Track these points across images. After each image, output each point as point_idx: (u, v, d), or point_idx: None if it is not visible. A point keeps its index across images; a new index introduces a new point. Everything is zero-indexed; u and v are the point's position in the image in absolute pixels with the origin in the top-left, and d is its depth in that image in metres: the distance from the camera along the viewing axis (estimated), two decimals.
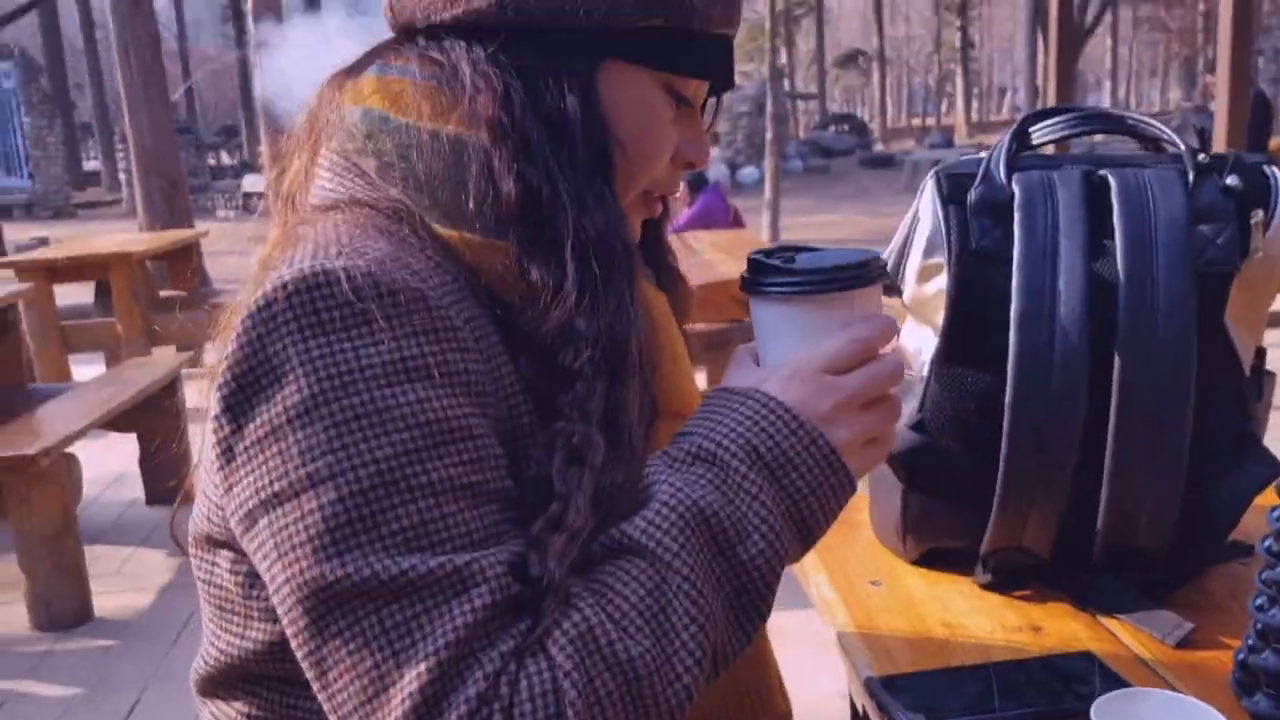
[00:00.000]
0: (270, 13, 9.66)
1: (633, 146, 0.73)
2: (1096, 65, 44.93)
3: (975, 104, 42.94)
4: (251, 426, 0.62)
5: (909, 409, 1.01)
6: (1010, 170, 0.97)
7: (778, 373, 0.69)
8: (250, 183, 18.38)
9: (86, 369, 5.63)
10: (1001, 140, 1.01)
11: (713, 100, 0.81)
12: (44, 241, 13.29)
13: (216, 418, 0.63)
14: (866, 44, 42.49)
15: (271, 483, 0.61)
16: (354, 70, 0.76)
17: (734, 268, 3.98)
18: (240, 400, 0.62)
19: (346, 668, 0.59)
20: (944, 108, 45.70)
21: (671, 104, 0.75)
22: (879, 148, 28.76)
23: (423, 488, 0.60)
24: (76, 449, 3.38)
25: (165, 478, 3.89)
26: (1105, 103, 38.38)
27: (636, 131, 0.73)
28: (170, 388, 3.78)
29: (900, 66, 51.47)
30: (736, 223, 7.16)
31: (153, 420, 3.76)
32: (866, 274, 0.70)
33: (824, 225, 15.43)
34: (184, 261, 6.56)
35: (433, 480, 0.61)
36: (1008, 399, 0.92)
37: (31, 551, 3.02)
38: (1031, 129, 1.02)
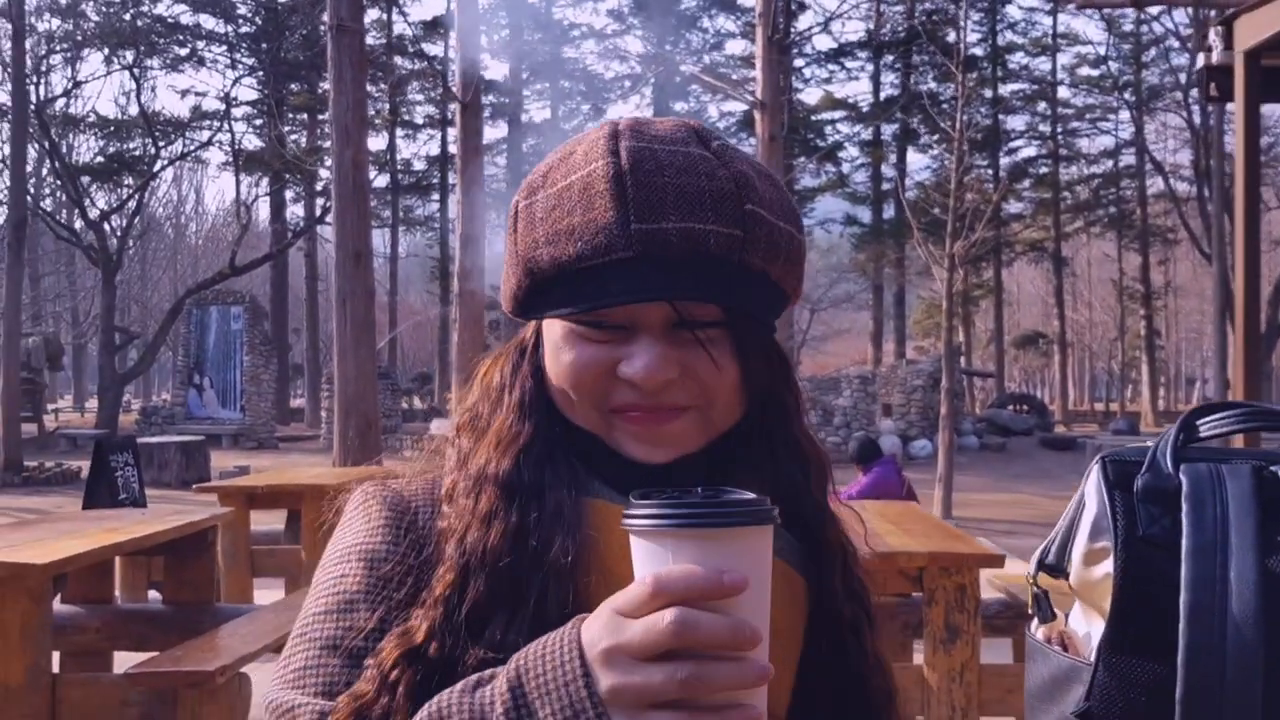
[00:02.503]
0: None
1: (556, 378, 0.87)
2: None
3: (1162, 392, 41.65)
4: None
5: (1076, 696, 0.99)
6: (1177, 460, 0.99)
7: (603, 605, 0.68)
8: (437, 426, 19.26)
9: (267, 593, 5.89)
10: (1169, 431, 1.03)
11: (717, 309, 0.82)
12: (245, 470, 14.24)
13: None
14: (1047, 327, 42.32)
15: None
16: None
17: (900, 540, 3.90)
18: None
19: None
20: (1129, 394, 44.42)
21: (584, 335, 0.83)
22: (1059, 429, 28.05)
23: (314, 641, 0.82)
24: (249, 669, 3.52)
25: None
26: None
27: (554, 366, 0.87)
28: None
29: (1082, 350, 50.76)
30: (910, 496, 7.05)
31: None
32: (690, 518, 0.64)
33: (998, 504, 14.87)
34: None
35: (322, 636, 0.82)
36: (1179, 693, 0.89)
37: None
38: (1199, 421, 1.04)
